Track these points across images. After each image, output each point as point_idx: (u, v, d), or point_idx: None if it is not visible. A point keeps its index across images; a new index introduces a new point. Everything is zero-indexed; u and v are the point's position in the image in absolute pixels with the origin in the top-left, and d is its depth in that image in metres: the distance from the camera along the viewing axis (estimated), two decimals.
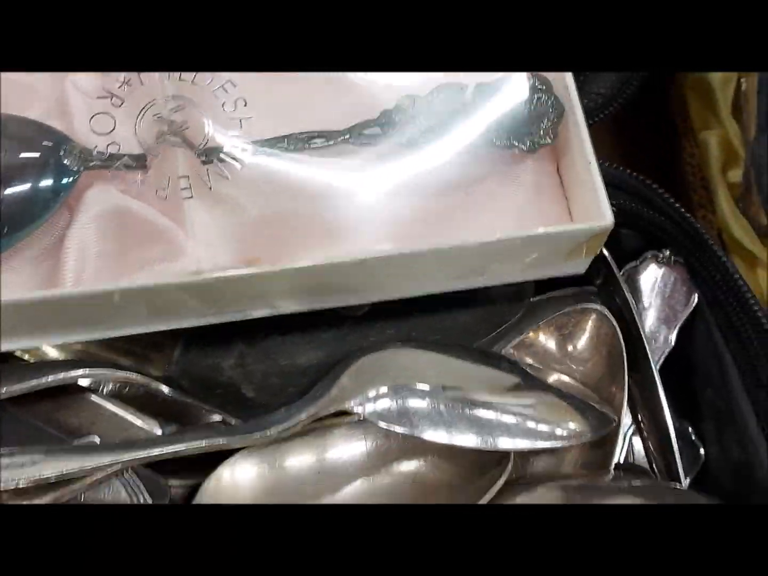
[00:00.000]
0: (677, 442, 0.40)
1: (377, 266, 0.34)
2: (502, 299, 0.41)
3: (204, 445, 0.33)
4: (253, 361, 0.40)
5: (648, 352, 0.38)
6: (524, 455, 0.37)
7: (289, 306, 0.35)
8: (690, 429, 0.41)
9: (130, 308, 0.33)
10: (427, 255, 0.33)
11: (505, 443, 0.33)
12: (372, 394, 0.33)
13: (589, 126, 0.41)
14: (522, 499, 0.33)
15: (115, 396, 0.39)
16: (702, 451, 0.41)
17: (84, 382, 0.38)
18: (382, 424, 0.33)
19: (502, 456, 0.33)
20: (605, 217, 0.34)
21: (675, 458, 0.37)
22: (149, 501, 0.34)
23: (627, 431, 0.40)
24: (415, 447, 0.35)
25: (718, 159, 0.51)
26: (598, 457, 0.37)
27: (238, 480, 0.35)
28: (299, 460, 0.35)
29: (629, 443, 0.40)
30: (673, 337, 0.40)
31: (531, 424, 0.34)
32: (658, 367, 0.40)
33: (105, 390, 0.40)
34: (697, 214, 0.50)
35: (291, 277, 0.33)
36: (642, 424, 0.39)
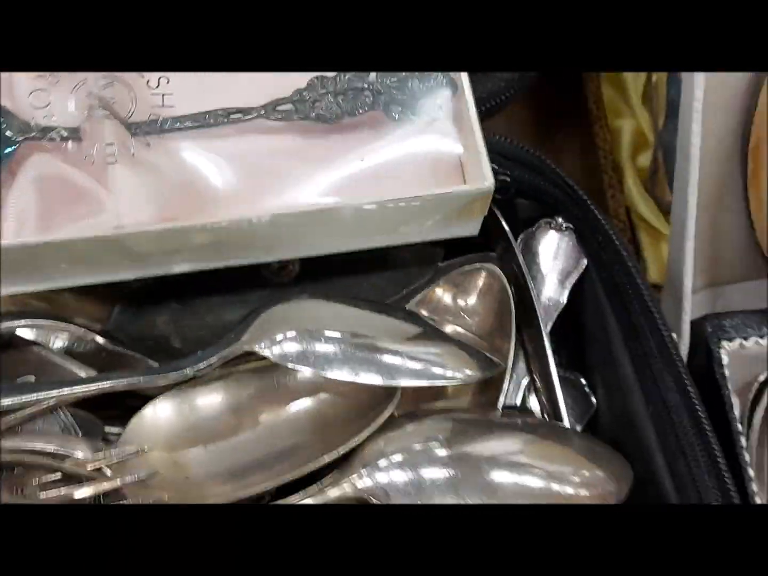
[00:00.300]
0: (569, 391, 0.44)
1: (285, 223, 0.38)
2: (413, 265, 0.45)
3: (125, 383, 0.38)
4: (184, 318, 0.44)
5: (537, 309, 0.42)
6: (418, 396, 0.41)
7: (205, 262, 0.39)
8: (582, 381, 0.45)
9: (60, 261, 0.37)
10: (331, 213, 0.38)
11: (401, 380, 0.37)
12: (280, 337, 0.37)
13: (493, 107, 0.45)
14: (412, 427, 0.37)
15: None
16: (593, 400, 0.45)
17: (30, 336, 0.42)
18: (289, 365, 0.37)
19: (391, 391, 0.37)
20: (487, 179, 0.38)
21: (559, 403, 0.41)
22: (80, 435, 0.38)
23: (521, 381, 0.44)
24: (315, 386, 0.39)
25: (629, 145, 0.56)
26: (487, 400, 0.41)
27: (160, 417, 0.39)
28: (214, 398, 0.39)
29: (524, 396, 0.44)
30: (565, 296, 0.44)
31: (425, 366, 0.37)
32: (551, 324, 0.44)
33: (53, 345, 0.44)
34: (607, 194, 0.55)
35: (206, 233, 0.37)
36: (534, 376, 0.43)
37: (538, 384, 0.43)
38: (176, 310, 0.44)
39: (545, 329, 0.43)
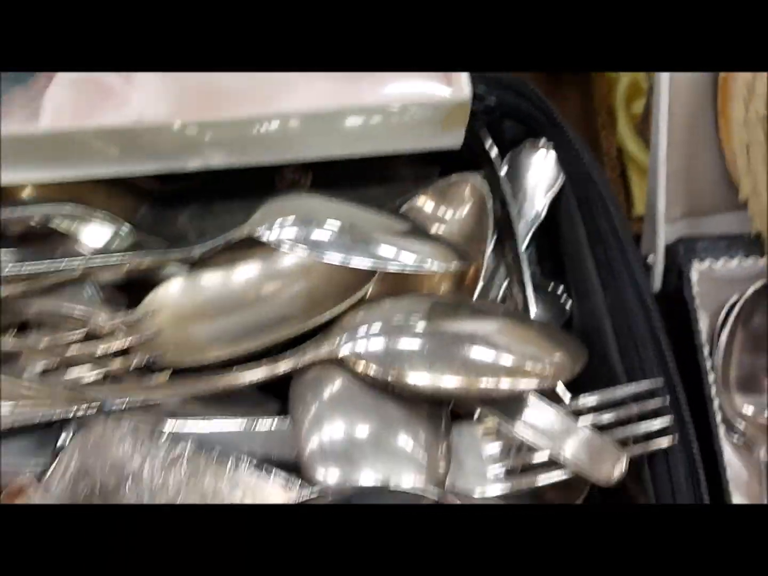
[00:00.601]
0: (546, 298, 0.49)
1: (292, 124, 0.43)
2: (410, 180, 0.50)
3: (144, 257, 0.43)
4: (202, 218, 0.49)
5: (513, 219, 0.47)
6: (399, 290, 0.45)
7: (217, 159, 0.44)
8: (559, 289, 0.50)
9: (90, 150, 0.43)
10: (330, 116, 0.43)
11: (387, 266, 0.42)
12: (279, 223, 0.42)
13: None
14: (391, 303, 0.42)
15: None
16: (568, 306, 0.49)
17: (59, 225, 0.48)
18: (286, 248, 0.42)
19: (371, 274, 0.42)
20: (464, 90, 0.43)
21: (528, 296, 0.46)
22: (104, 306, 0.44)
23: (500, 287, 0.48)
24: (307, 269, 0.44)
25: (624, 92, 0.60)
26: (463, 294, 0.46)
27: (170, 293, 0.44)
28: (218, 278, 0.44)
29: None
30: (543, 209, 0.49)
31: (410, 255, 0.42)
32: (531, 234, 0.49)
33: (79, 236, 0.49)
34: (601, 134, 0.59)
35: (218, 128, 0.42)
36: (511, 280, 0.48)
37: (514, 290, 0.48)
38: (196, 212, 0.49)
39: (521, 237, 0.47)
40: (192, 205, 0.50)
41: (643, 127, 0.59)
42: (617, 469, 0.39)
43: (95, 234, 0.48)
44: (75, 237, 0.47)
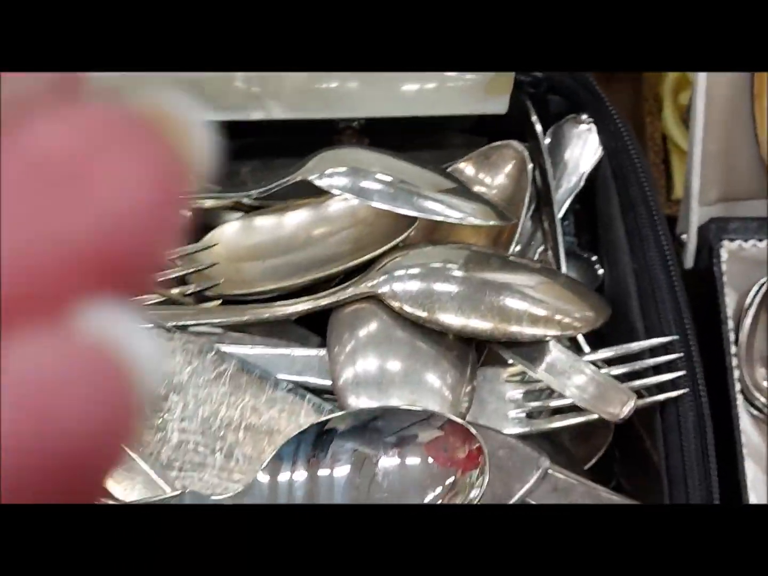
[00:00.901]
0: (580, 266, 0.52)
1: (349, 77, 0.46)
2: (458, 148, 0.53)
3: (205, 198, 0.47)
4: (261, 171, 0.53)
5: (551, 188, 0.50)
6: (436, 234, 0.49)
7: (278, 111, 0.48)
8: (593, 258, 0.53)
9: None
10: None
11: (431, 215, 0.45)
12: (330, 171, 0.46)
13: None
14: (430, 249, 0.45)
15: None
16: (600, 272, 0.52)
17: None
18: (335, 191, 0.46)
19: (414, 220, 0.46)
20: None
21: (560, 255, 0.49)
22: None
23: (536, 252, 0.52)
24: (354, 214, 0.47)
25: (672, 82, 0.63)
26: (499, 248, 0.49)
27: (227, 233, 0.48)
28: (271, 222, 0.48)
29: None
30: (582, 180, 0.52)
31: (453, 207, 0.46)
32: (569, 202, 0.52)
33: None
34: (646, 120, 0.62)
35: (280, 80, 0.46)
36: (545, 248, 0.51)
37: (549, 255, 0.51)
38: (256, 167, 0.53)
39: (557, 205, 0.50)
40: (253, 160, 0.53)
41: (688, 117, 0.61)
42: (627, 407, 0.42)
43: None
44: None
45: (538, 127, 0.51)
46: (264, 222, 0.48)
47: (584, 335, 0.47)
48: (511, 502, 0.42)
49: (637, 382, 0.44)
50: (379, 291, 0.44)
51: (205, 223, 0.50)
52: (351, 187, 0.46)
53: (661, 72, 0.63)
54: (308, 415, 0.43)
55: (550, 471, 0.43)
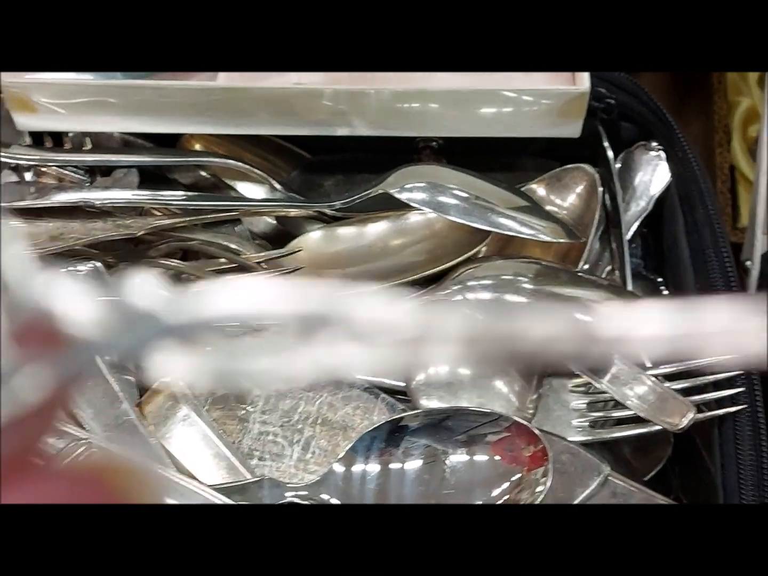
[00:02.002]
0: (646, 288, 0.54)
1: (430, 100, 0.49)
2: (531, 171, 0.56)
3: (291, 207, 0.50)
4: (345, 184, 0.56)
5: (620, 211, 0.52)
6: (507, 249, 0.51)
7: (362, 128, 0.51)
8: (658, 279, 0.55)
9: (253, 108, 0.50)
10: (465, 95, 0.49)
11: (504, 230, 0.48)
12: (409, 185, 0.49)
13: None
14: (502, 263, 0.48)
15: None
16: (665, 293, 0.54)
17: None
18: (415, 205, 0.48)
19: (487, 234, 0.48)
20: (584, 84, 0.49)
21: (627, 274, 0.51)
22: (253, 245, 0.51)
23: (603, 272, 0.54)
24: (431, 227, 0.50)
25: (742, 115, 0.65)
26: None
27: (310, 241, 0.51)
28: (352, 233, 0.51)
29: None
30: (649, 204, 0.54)
31: (523, 222, 0.48)
32: (637, 225, 0.54)
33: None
34: (716, 151, 0.64)
35: (365, 98, 0.49)
36: (612, 269, 0.53)
37: (615, 275, 0.53)
38: (339, 181, 0.56)
39: (626, 227, 0.53)
40: (337, 175, 0.56)
41: (756, 148, 0.63)
42: (686, 419, 0.44)
43: (251, 189, 0.55)
44: (234, 189, 0.55)
45: (610, 153, 0.53)
46: (346, 232, 0.51)
47: None
48: None
49: (697, 397, 0.45)
50: (453, 299, 0.46)
51: (287, 231, 0.54)
52: (429, 201, 0.48)
53: (740, 97, 0.65)
54: (381, 413, 0.45)
55: (610, 478, 0.45)
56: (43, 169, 0.51)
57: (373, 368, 0.19)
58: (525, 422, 0.42)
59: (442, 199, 0.48)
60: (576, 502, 0.44)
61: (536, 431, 0.41)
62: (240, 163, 0.53)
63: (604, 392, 0.47)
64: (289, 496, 0.42)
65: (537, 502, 0.39)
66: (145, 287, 0.20)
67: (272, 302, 0.18)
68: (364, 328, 0.19)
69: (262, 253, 0.50)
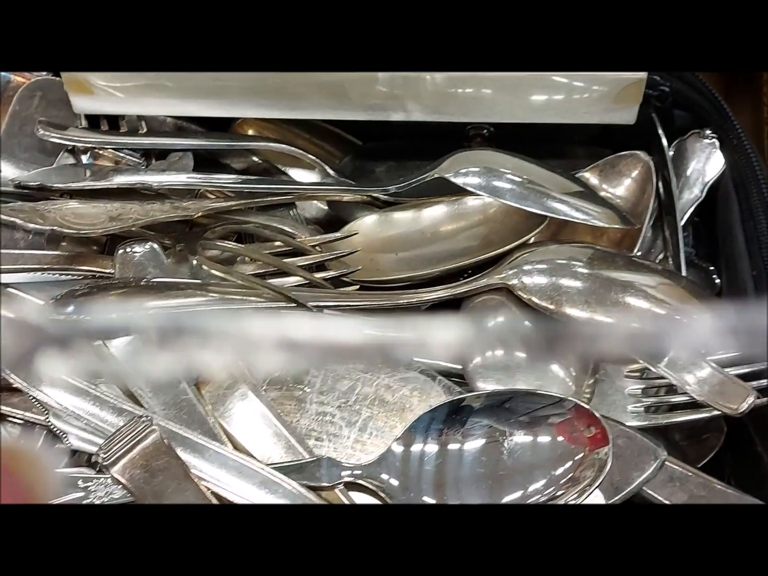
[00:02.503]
0: (698, 275, 0.54)
1: (484, 83, 0.49)
2: (582, 159, 0.56)
3: (347, 191, 0.50)
4: (396, 172, 0.56)
5: (675, 199, 0.52)
6: (561, 233, 0.51)
7: (416, 113, 0.51)
8: (711, 268, 0.54)
9: (308, 93, 0.50)
10: (520, 80, 0.49)
11: (556, 213, 0.48)
12: (464, 170, 0.49)
13: None
14: (556, 248, 0.48)
15: None
16: (717, 281, 0.54)
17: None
18: (470, 189, 0.48)
19: (543, 219, 0.48)
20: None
21: (681, 258, 0.51)
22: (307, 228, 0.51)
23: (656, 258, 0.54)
24: (485, 211, 0.50)
25: None
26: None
27: (365, 226, 0.51)
28: (407, 217, 0.51)
29: None
30: (704, 192, 0.54)
31: (577, 207, 0.48)
32: (690, 211, 0.54)
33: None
34: (764, 144, 0.64)
35: (419, 83, 0.49)
36: (665, 256, 0.53)
37: (669, 262, 0.53)
38: (391, 167, 0.56)
39: (680, 214, 0.52)
40: (388, 161, 0.57)
41: None
42: (745, 402, 0.44)
43: (303, 174, 0.55)
44: (286, 175, 0.55)
45: (664, 140, 0.53)
46: (400, 216, 0.51)
47: None
48: (628, 490, 0.44)
49: (754, 383, 0.45)
50: (510, 282, 0.46)
51: (338, 217, 0.54)
52: (484, 186, 0.48)
53: None
54: (438, 395, 0.45)
55: (667, 462, 0.45)
56: (100, 151, 0.52)
57: None
58: (586, 405, 0.42)
59: (498, 183, 0.48)
60: (632, 486, 0.44)
61: (596, 414, 0.41)
62: (293, 148, 0.53)
63: (659, 377, 0.47)
64: (346, 476, 0.42)
65: (600, 480, 0.39)
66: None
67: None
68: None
69: (318, 237, 0.50)
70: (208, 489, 0.41)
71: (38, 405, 0.44)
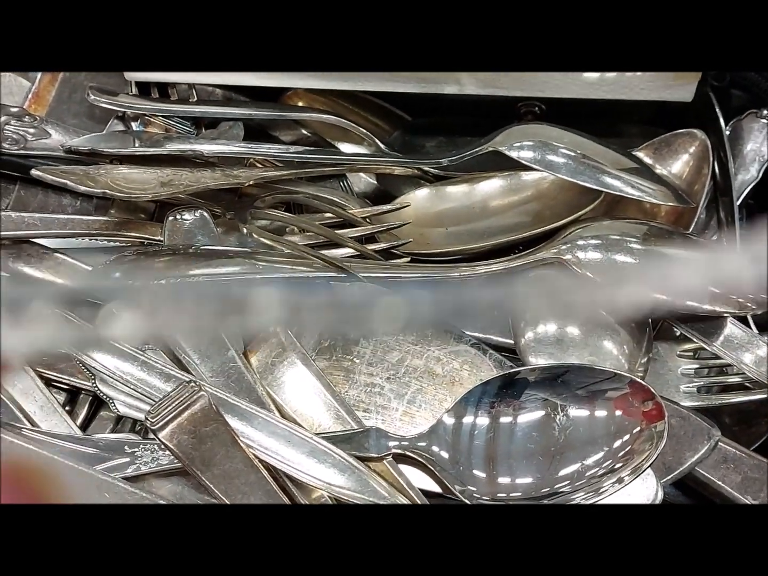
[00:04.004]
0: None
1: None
2: (636, 137, 0.55)
3: (398, 164, 0.50)
4: (446, 147, 0.55)
5: (731, 179, 0.51)
6: (615, 210, 0.50)
7: (470, 87, 0.51)
8: None
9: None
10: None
11: (611, 189, 0.47)
12: (518, 143, 0.48)
13: None
14: (609, 223, 0.47)
15: None
16: None
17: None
18: (525, 162, 0.48)
19: (597, 195, 0.48)
20: None
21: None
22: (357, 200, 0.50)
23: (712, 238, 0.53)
24: (538, 186, 0.50)
25: None
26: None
27: (416, 199, 0.51)
28: (459, 192, 0.51)
29: None
30: (760, 173, 0.53)
31: (632, 184, 0.47)
32: (746, 192, 0.53)
33: None
34: None
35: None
36: (720, 236, 0.52)
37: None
38: (441, 143, 0.56)
39: (736, 193, 0.52)
40: (437, 137, 0.56)
41: None
42: None
43: (352, 148, 0.55)
44: (336, 147, 0.54)
45: (721, 120, 0.52)
46: (453, 190, 0.51)
47: (753, 317, 0.48)
48: (681, 470, 0.43)
49: None
50: (565, 257, 0.45)
51: (387, 191, 0.53)
52: (539, 160, 0.48)
53: None
54: (489, 369, 0.45)
55: (720, 443, 0.44)
56: (150, 119, 0.51)
57: None
58: (641, 380, 0.41)
59: (552, 157, 0.48)
60: (685, 466, 0.43)
61: (652, 389, 0.41)
62: (344, 120, 0.53)
63: (712, 358, 0.46)
64: (395, 447, 0.42)
65: (656, 455, 0.39)
66: None
67: None
68: None
69: (369, 209, 0.49)
70: (257, 457, 0.41)
71: (85, 371, 0.44)
